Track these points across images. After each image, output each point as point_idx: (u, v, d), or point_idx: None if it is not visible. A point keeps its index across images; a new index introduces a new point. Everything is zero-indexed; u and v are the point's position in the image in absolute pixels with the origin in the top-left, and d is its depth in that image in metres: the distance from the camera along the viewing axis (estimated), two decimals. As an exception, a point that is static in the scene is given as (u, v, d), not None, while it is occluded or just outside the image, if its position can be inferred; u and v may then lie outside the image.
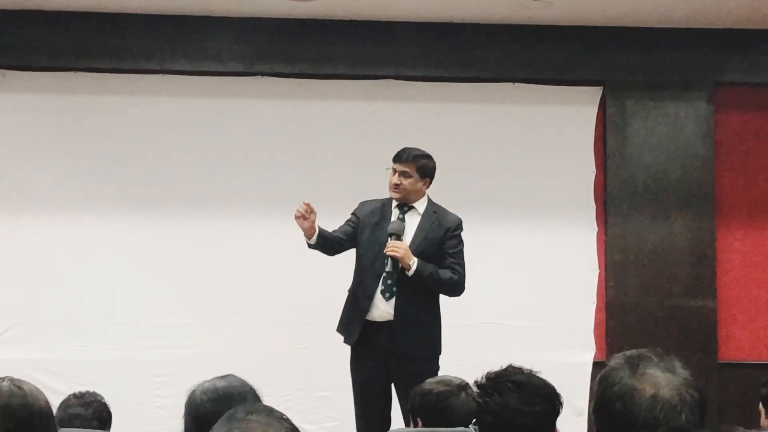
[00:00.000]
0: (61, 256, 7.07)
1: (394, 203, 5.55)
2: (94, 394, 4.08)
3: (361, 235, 5.51)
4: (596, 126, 7.41)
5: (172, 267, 7.12)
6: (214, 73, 7.25)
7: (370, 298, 5.38)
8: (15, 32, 7.11)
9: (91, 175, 7.12)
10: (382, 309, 5.37)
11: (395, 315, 5.34)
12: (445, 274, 5.41)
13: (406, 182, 5.46)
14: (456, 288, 5.50)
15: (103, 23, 7.15)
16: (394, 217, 5.50)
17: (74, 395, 4.06)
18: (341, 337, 5.56)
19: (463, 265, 5.50)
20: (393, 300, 5.36)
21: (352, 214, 5.63)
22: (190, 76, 7.24)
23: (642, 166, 7.37)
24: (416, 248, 5.38)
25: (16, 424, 2.43)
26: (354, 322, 5.45)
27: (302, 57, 7.26)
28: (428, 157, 5.57)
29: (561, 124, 7.38)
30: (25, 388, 2.51)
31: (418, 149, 5.57)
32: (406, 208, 5.53)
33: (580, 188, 7.35)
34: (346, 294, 5.60)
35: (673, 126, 7.40)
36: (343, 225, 5.61)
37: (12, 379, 2.55)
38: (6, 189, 7.09)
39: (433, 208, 5.56)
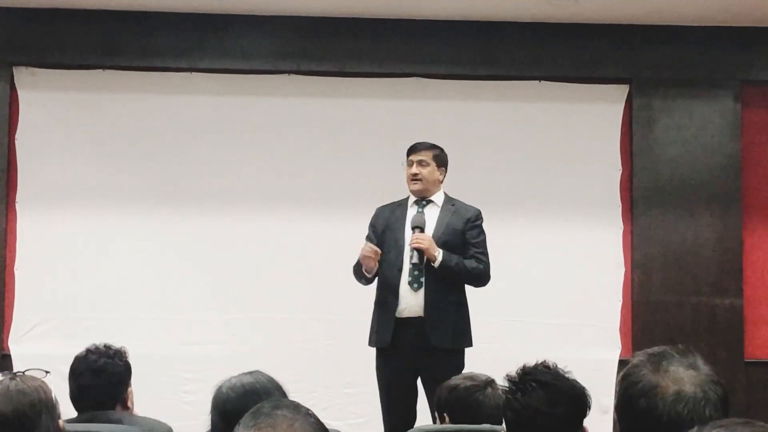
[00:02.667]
0: (90, 252, 7.13)
1: (411, 200, 5.57)
2: (102, 352, 3.81)
3: (382, 239, 5.52)
4: (622, 124, 7.39)
5: (201, 263, 7.16)
6: (241, 71, 7.28)
7: (396, 293, 5.38)
8: (44, 30, 7.16)
9: (120, 172, 7.16)
10: (412, 303, 5.36)
11: (426, 307, 5.34)
12: (471, 263, 5.42)
13: (424, 171, 5.49)
14: (482, 277, 5.51)
15: (131, 21, 7.19)
16: (412, 213, 5.51)
17: (83, 360, 3.81)
18: (367, 335, 5.56)
19: (487, 255, 5.50)
20: (422, 291, 5.35)
21: (370, 226, 5.64)
22: (218, 74, 7.27)
23: (668, 163, 7.35)
24: (439, 239, 5.39)
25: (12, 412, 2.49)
26: (385, 322, 5.42)
27: (329, 55, 7.28)
28: (441, 149, 5.62)
29: (587, 122, 7.37)
30: (27, 383, 2.57)
31: (430, 142, 5.63)
32: (424, 203, 5.54)
33: (606, 186, 7.34)
34: (374, 293, 5.60)
35: (700, 124, 7.38)
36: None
37: (14, 374, 2.62)
38: (35, 185, 7.15)
39: (450, 201, 5.58)
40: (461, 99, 7.35)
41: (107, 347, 3.85)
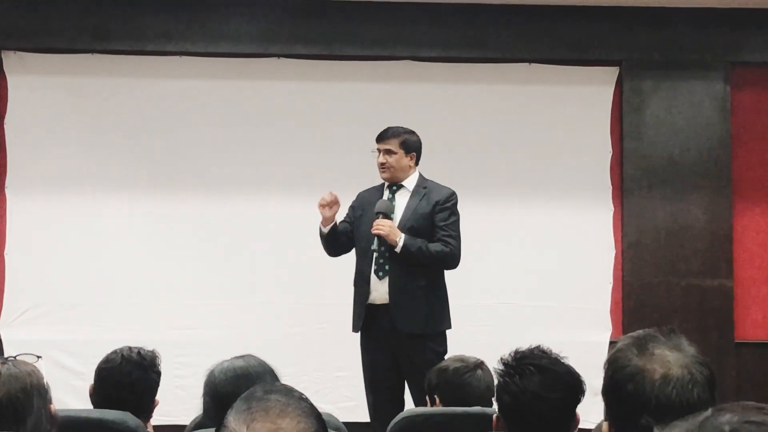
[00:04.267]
0: (80, 237, 7.12)
1: (385, 185, 5.58)
2: (136, 363, 3.52)
3: (358, 223, 5.56)
4: (612, 106, 7.39)
5: (190, 248, 7.16)
6: (231, 55, 7.27)
7: (368, 280, 5.42)
8: (33, 15, 7.13)
9: (110, 157, 7.15)
10: (380, 291, 5.39)
11: (390, 293, 5.36)
12: (436, 247, 5.39)
13: (391, 159, 5.49)
14: (448, 260, 5.46)
15: (120, 5, 7.17)
16: (384, 198, 5.52)
17: (116, 369, 3.50)
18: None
19: (456, 237, 5.45)
20: (386, 279, 5.38)
21: (349, 208, 5.69)
22: (206, 58, 7.26)
23: (658, 145, 7.36)
24: (405, 225, 5.39)
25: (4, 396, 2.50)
26: (357, 309, 5.49)
27: (318, 38, 7.27)
28: (411, 132, 5.59)
29: (577, 104, 7.37)
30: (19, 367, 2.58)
31: (400, 126, 5.61)
32: (395, 188, 5.54)
33: (596, 168, 7.35)
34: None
35: (690, 105, 7.39)
36: (341, 222, 5.65)
37: (6, 359, 2.62)
38: (25, 170, 7.13)
39: (423, 184, 5.56)
40: (451, 82, 7.34)
41: (141, 356, 3.55)
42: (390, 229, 5.32)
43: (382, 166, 5.51)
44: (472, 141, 7.23)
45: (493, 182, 7.18)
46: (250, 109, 7.25)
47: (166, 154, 7.20)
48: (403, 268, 5.37)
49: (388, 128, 5.59)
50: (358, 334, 5.52)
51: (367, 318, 5.42)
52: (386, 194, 5.55)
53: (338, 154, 7.19)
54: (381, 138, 5.55)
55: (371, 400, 5.50)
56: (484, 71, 7.37)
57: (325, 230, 5.54)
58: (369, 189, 5.68)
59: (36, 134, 7.14)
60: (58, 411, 2.66)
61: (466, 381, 3.73)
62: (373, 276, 5.41)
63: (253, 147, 7.23)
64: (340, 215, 5.67)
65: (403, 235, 5.33)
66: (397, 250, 5.33)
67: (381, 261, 5.40)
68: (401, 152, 5.51)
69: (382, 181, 5.62)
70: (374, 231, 5.33)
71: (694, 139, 7.37)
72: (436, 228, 5.43)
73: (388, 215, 5.38)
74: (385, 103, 7.22)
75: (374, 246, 5.37)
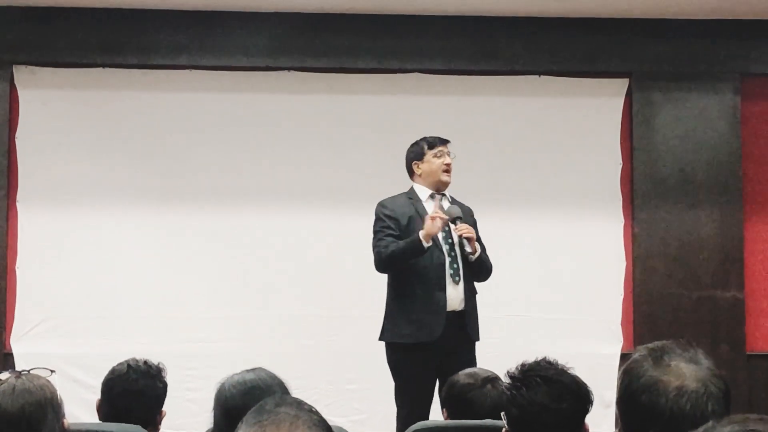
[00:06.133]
0: (91, 250, 7.13)
1: (424, 193, 5.42)
2: (142, 371, 3.57)
3: (407, 232, 5.31)
4: (623, 118, 7.39)
5: (201, 260, 7.16)
6: (241, 68, 7.28)
7: (443, 287, 5.24)
8: (44, 29, 7.16)
9: (120, 170, 7.16)
10: (453, 296, 5.25)
11: (465, 299, 5.27)
12: (487, 258, 5.39)
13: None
14: (490, 273, 5.46)
15: (130, 19, 7.19)
16: (432, 206, 5.36)
17: (122, 378, 3.56)
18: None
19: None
20: (461, 284, 5.28)
21: (385, 217, 5.38)
22: (217, 71, 7.28)
23: (669, 157, 7.35)
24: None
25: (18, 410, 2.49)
26: (431, 317, 5.21)
27: (328, 51, 7.28)
28: None
29: (587, 116, 7.37)
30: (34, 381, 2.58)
31: None
32: (438, 196, 5.42)
33: (606, 180, 7.34)
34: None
35: (700, 117, 7.38)
36: (388, 237, 5.33)
37: (20, 373, 2.62)
38: (36, 184, 7.15)
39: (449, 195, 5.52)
40: (460, 94, 7.35)
41: (147, 365, 3.60)
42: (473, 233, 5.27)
43: (449, 167, 5.43)
44: (481, 153, 7.22)
45: (503, 195, 7.18)
46: (260, 122, 7.27)
47: (176, 167, 7.21)
48: (469, 275, 5.32)
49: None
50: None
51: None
52: (437, 199, 5.39)
53: (348, 166, 7.20)
54: (447, 141, 5.48)
55: (405, 413, 5.22)
56: (494, 83, 7.37)
57: (428, 244, 5.20)
58: (394, 198, 5.48)
59: (47, 148, 7.16)
60: (70, 425, 2.66)
61: (470, 398, 3.71)
62: (449, 282, 5.26)
63: (262, 159, 7.24)
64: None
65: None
66: (475, 256, 5.25)
67: (456, 266, 5.28)
68: None
69: (403, 191, 5.49)
70: (466, 234, 5.21)
71: (705, 151, 7.36)
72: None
73: (463, 219, 5.30)
74: (395, 115, 7.23)
75: (468, 249, 5.21)
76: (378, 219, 5.42)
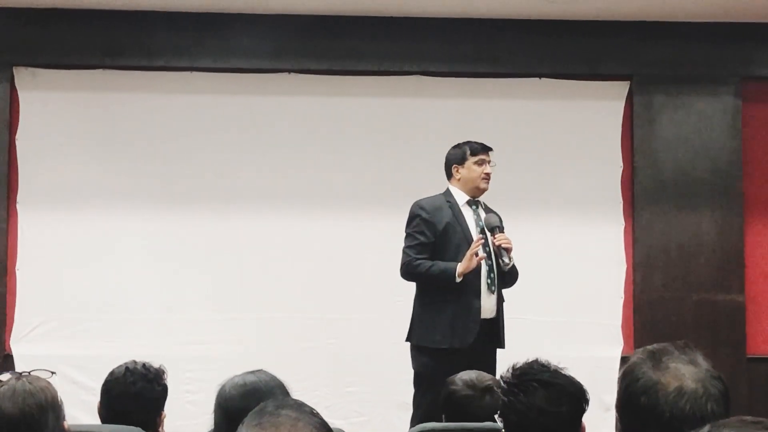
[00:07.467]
0: (91, 252, 7.13)
1: (461, 199, 5.44)
2: (141, 374, 3.56)
3: (443, 237, 5.33)
4: (623, 120, 7.39)
5: (201, 263, 7.16)
6: (241, 70, 7.28)
7: (479, 294, 5.27)
8: (44, 30, 7.16)
9: (121, 172, 7.16)
10: (487, 304, 5.30)
11: (497, 308, 5.33)
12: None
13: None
14: (517, 279, 5.50)
15: (130, 21, 7.19)
16: (469, 213, 5.41)
17: (120, 381, 3.55)
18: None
19: None
20: (495, 294, 5.33)
21: (422, 222, 5.35)
22: (217, 74, 7.28)
23: (669, 160, 7.35)
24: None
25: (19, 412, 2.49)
26: (466, 323, 5.23)
27: (329, 53, 7.28)
28: None
29: (588, 119, 7.37)
30: (35, 383, 2.57)
31: None
32: (474, 205, 5.47)
33: (607, 183, 7.34)
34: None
35: (701, 120, 7.38)
36: (420, 245, 5.32)
37: (20, 374, 2.62)
38: (36, 186, 7.15)
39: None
40: (462, 97, 7.35)
41: (146, 368, 3.59)
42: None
43: (488, 177, 5.45)
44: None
45: (503, 197, 7.11)
46: (262, 124, 7.27)
47: (177, 169, 7.21)
48: (501, 283, 5.36)
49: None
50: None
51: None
52: (472, 208, 5.44)
53: (350, 168, 7.20)
54: (490, 149, 5.50)
55: (420, 413, 5.18)
56: (495, 86, 7.37)
57: (460, 279, 5.22)
58: (432, 199, 5.47)
59: (47, 150, 7.16)
60: (70, 427, 2.66)
61: (470, 411, 3.70)
62: (484, 290, 5.29)
63: (264, 162, 7.24)
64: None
65: None
66: (509, 265, 5.28)
67: (492, 275, 5.32)
68: None
69: (438, 193, 5.48)
70: (505, 244, 5.25)
71: (705, 154, 7.36)
72: None
73: (503, 229, 5.33)
74: (396, 118, 7.24)
75: (506, 259, 5.25)
76: (413, 219, 5.41)
